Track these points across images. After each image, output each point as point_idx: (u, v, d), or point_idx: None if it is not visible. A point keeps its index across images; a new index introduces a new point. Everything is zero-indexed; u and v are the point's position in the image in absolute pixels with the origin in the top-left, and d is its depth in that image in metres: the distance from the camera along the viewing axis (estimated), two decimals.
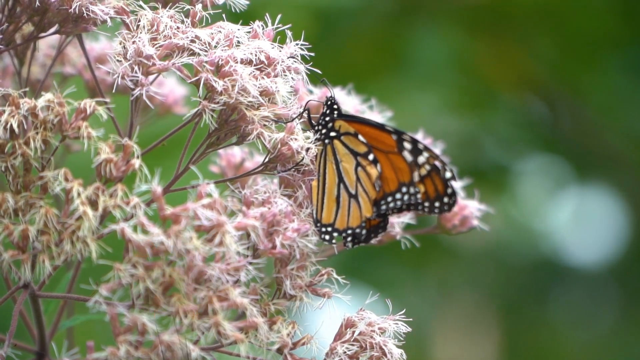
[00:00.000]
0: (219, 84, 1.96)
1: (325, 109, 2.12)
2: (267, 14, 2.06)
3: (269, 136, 2.00)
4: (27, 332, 2.15)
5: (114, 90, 2.31)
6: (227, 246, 1.83)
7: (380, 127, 2.12)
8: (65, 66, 2.54)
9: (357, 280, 4.74)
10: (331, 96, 2.13)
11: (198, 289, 1.84)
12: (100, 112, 1.91)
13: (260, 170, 2.07)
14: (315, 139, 2.06)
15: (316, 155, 2.07)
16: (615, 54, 5.02)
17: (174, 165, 2.03)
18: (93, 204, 1.84)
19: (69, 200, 1.85)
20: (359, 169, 2.10)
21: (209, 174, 2.30)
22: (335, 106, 2.12)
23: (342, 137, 2.10)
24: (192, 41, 1.99)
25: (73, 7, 2.00)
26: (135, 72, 1.95)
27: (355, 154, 2.10)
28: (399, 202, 2.12)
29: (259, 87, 1.98)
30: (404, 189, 2.11)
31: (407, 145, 2.11)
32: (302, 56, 2.06)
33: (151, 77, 1.98)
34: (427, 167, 2.12)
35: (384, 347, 2.00)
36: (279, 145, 2.01)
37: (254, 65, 2.00)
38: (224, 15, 2.07)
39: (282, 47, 2.05)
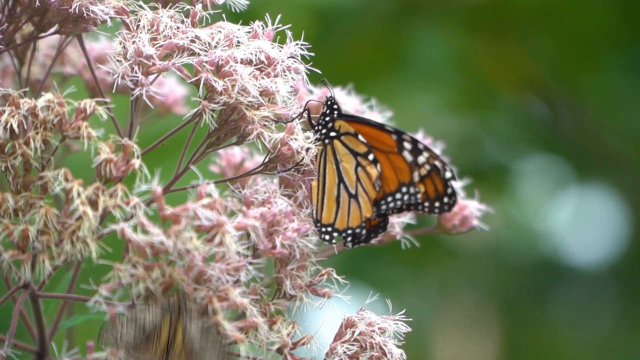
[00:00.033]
0: (219, 84, 1.95)
1: (325, 109, 2.12)
2: (267, 14, 2.06)
3: (269, 136, 2.00)
4: (27, 332, 2.15)
5: (114, 90, 2.31)
6: (227, 246, 1.83)
7: (380, 127, 2.12)
8: (65, 66, 2.53)
9: (357, 280, 4.73)
10: (331, 96, 2.13)
11: (198, 289, 1.84)
12: (100, 112, 1.91)
13: (260, 170, 2.07)
14: (315, 139, 2.06)
15: (316, 155, 2.07)
16: (615, 54, 5.02)
17: (174, 165, 2.03)
18: (93, 204, 1.84)
19: (69, 200, 1.85)
20: (359, 169, 2.10)
21: (209, 174, 2.30)
22: (335, 106, 2.12)
23: (342, 137, 2.10)
24: (192, 41, 1.99)
25: (73, 7, 2.00)
26: (135, 72, 1.95)
27: (355, 154, 2.10)
28: (399, 202, 2.11)
29: (259, 87, 1.97)
30: (404, 189, 2.11)
31: (407, 145, 2.11)
32: (302, 56, 2.05)
33: (151, 77, 1.98)
34: (427, 167, 2.12)
35: (384, 347, 2.00)
36: (279, 145, 2.01)
37: (254, 65, 2.00)
38: (224, 15, 2.07)
39: (282, 47, 2.04)
